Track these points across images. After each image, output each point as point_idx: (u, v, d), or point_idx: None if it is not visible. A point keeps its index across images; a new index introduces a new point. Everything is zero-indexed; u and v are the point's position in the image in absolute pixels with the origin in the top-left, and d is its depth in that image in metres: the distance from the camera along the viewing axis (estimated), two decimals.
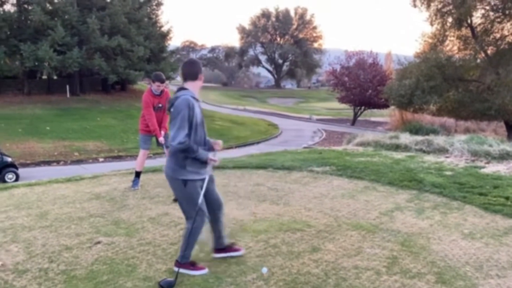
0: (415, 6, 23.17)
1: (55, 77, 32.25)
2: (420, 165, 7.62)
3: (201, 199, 3.45)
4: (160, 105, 6.16)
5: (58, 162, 16.50)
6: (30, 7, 28.22)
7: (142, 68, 30.54)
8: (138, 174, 6.31)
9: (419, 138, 9.84)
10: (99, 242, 4.11)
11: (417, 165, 7.67)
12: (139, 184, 6.25)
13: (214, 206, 3.64)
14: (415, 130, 16.90)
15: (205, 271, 3.51)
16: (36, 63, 26.80)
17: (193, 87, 3.50)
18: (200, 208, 3.44)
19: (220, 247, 3.78)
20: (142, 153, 6.35)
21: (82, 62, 27.33)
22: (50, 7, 28.33)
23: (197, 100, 3.45)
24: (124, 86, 34.73)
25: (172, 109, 3.38)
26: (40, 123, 22.05)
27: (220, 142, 3.63)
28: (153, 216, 4.90)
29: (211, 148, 3.55)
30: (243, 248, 3.90)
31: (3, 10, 28.61)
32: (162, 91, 6.16)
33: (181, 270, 3.40)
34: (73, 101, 28.30)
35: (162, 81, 6.09)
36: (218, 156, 3.58)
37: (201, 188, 3.46)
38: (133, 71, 29.41)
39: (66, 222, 4.67)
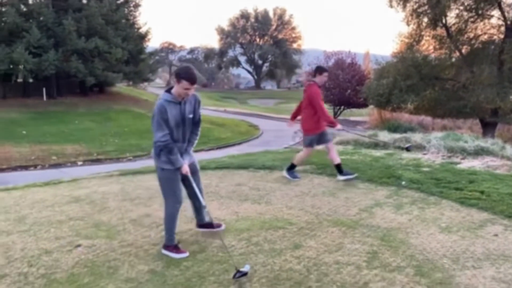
0: (391, 6, 23.53)
1: (31, 80, 31.59)
2: (399, 162, 7.75)
3: (175, 186, 3.81)
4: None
5: (35, 166, 16.23)
6: (3, 9, 27.62)
7: (121, 70, 30.24)
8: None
9: (397, 135, 10.00)
10: (79, 245, 4.07)
11: (396, 162, 7.80)
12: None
13: (191, 194, 4.06)
14: (394, 128, 17.14)
15: (186, 254, 3.80)
16: (11, 66, 26.26)
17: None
18: (175, 194, 3.82)
19: (200, 223, 4.31)
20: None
21: (58, 64, 26.88)
22: (25, 9, 27.79)
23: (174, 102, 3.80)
24: (103, 89, 34.24)
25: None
26: (16, 127, 21.60)
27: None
28: (134, 218, 4.86)
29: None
30: (223, 224, 4.45)
31: None
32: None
33: (165, 252, 3.83)
34: (50, 104, 27.79)
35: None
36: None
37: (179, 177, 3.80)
38: (111, 73, 29.08)
39: (45, 226, 4.60)
